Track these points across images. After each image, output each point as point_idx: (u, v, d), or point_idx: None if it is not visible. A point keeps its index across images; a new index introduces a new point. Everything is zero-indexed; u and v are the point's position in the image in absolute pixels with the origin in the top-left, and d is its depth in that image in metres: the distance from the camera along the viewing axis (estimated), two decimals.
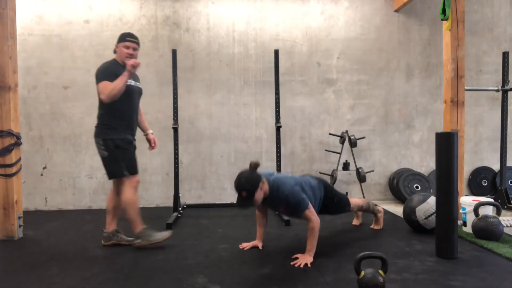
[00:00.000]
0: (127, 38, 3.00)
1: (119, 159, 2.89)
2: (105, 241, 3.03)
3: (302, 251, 2.64)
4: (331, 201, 2.95)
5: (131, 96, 2.96)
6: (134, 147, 3.06)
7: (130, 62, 2.80)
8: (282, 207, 2.70)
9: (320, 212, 2.97)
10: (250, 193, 2.48)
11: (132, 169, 2.94)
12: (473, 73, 5.04)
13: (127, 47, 2.97)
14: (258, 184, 2.51)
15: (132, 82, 2.98)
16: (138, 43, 3.05)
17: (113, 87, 2.77)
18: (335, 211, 3.13)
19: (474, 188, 5.08)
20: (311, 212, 2.63)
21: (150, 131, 3.24)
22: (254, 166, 2.58)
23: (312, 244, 2.61)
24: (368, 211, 3.38)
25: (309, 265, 2.49)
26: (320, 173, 4.85)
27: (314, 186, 2.89)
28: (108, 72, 2.86)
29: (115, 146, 2.88)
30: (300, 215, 2.64)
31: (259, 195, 2.53)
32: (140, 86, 3.12)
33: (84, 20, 4.65)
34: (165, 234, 2.98)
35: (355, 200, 3.30)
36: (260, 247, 2.90)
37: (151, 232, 2.96)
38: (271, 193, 2.63)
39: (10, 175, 3.26)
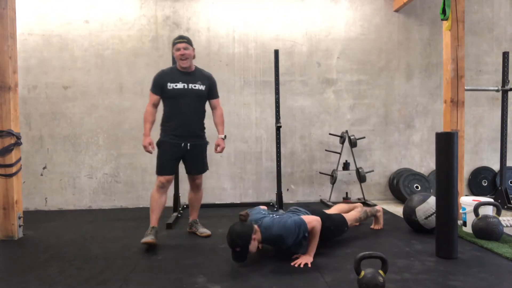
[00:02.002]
0: (175, 41, 3.13)
1: (157, 158, 3.14)
2: (188, 228, 3.40)
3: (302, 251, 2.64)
4: (328, 230, 2.86)
5: (178, 99, 3.08)
6: (184, 149, 3.11)
7: (144, 146, 3.07)
8: (282, 245, 2.62)
9: (320, 241, 2.82)
10: (244, 247, 2.44)
11: (159, 170, 3.11)
12: (473, 73, 5.04)
13: (178, 49, 3.08)
14: (250, 237, 2.46)
15: (179, 85, 3.08)
16: (187, 41, 3.11)
17: (144, 114, 3.13)
18: (335, 237, 3.05)
19: (474, 188, 5.07)
20: (310, 221, 2.59)
21: (220, 136, 3.25)
22: (244, 218, 2.52)
23: (313, 245, 2.61)
24: (367, 218, 3.37)
25: (309, 265, 2.49)
26: (320, 173, 4.86)
27: None
28: (155, 82, 3.14)
29: (157, 146, 3.15)
30: (304, 244, 2.60)
31: (253, 246, 2.49)
32: (198, 88, 3.14)
33: (84, 20, 4.64)
34: (147, 238, 2.89)
35: (351, 215, 3.20)
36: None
37: (148, 232, 2.97)
38: (264, 238, 2.59)
39: (10, 175, 3.26)
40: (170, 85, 3.07)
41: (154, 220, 3.06)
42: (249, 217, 2.61)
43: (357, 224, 3.56)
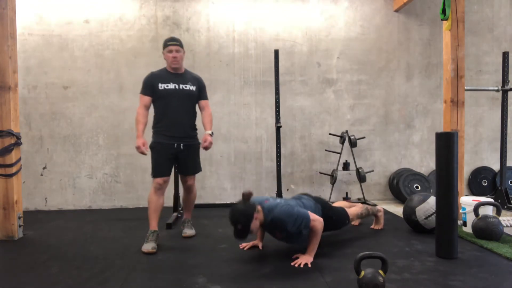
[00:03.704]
0: (168, 43, 3.12)
1: (152, 160, 3.11)
2: (181, 226, 3.41)
3: (302, 251, 2.64)
4: (330, 220, 2.88)
5: (169, 100, 3.07)
6: (177, 150, 3.09)
7: (137, 147, 2.99)
8: (281, 231, 2.63)
9: (322, 232, 2.90)
10: (245, 225, 2.47)
11: (154, 172, 3.09)
12: (473, 73, 5.03)
13: (170, 51, 3.08)
14: (252, 215, 2.49)
15: (171, 85, 3.08)
16: (179, 44, 3.12)
17: (136, 116, 3.07)
18: (335, 228, 3.07)
19: (474, 188, 5.07)
20: (314, 219, 2.60)
21: (207, 132, 3.15)
22: (247, 197, 2.55)
23: (314, 245, 2.61)
24: (368, 215, 3.37)
25: (309, 265, 2.50)
26: (320, 173, 4.85)
27: (311, 208, 2.81)
28: (146, 83, 3.13)
29: (151, 148, 3.12)
30: (304, 232, 2.59)
31: (254, 225, 2.52)
32: (189, 88, 3.14)
33: (84, 20, 4.64)
34: (148, 247, 2.84)
35: (353, 210, 3.23)
36: (260, 247, 2.90)
37: (149, 238, 2.94)
38: (266, 220, 2.59)
39: (10, 175, 3.26)
40: (162, 86, 3.06)
41: (154, 224, 3.04)
42: (253, 198, 2.61)
43: (358, 222, 3.57)
